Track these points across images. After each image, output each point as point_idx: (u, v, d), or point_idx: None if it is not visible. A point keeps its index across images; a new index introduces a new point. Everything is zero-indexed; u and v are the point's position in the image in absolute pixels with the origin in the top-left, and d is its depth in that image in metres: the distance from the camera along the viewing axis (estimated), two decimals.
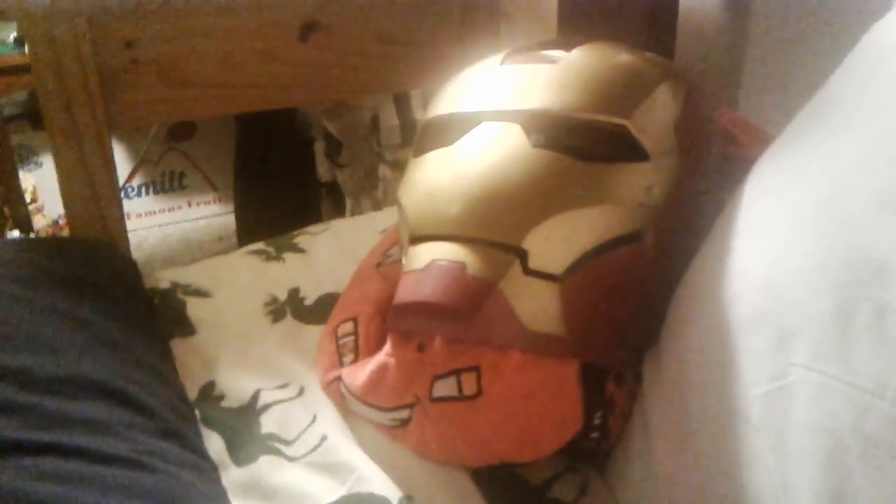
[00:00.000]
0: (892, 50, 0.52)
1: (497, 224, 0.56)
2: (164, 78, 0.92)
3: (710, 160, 0.65)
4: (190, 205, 2.11)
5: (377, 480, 0.56)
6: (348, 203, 1.60)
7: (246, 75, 0.95)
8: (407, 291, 0.57)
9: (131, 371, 0.57)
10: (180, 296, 0.75)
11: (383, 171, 1.49)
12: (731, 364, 0.49)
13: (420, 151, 0.64)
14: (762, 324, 0.48)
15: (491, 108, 0.60)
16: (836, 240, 0.46)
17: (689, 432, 0.52)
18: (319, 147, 1.59)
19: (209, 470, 0.55)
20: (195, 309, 0.74)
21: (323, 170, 1.62)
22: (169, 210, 2.10)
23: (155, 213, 2.09)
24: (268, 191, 1.62)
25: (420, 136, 0.65)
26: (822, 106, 0.55)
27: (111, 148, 0.90)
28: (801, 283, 0.47)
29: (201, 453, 0.56)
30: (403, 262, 0.61)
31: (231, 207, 1.87)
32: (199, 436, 0.59)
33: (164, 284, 0.77)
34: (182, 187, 2.10)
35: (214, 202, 2.12)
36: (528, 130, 0.57)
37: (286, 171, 1.59)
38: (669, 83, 0.61)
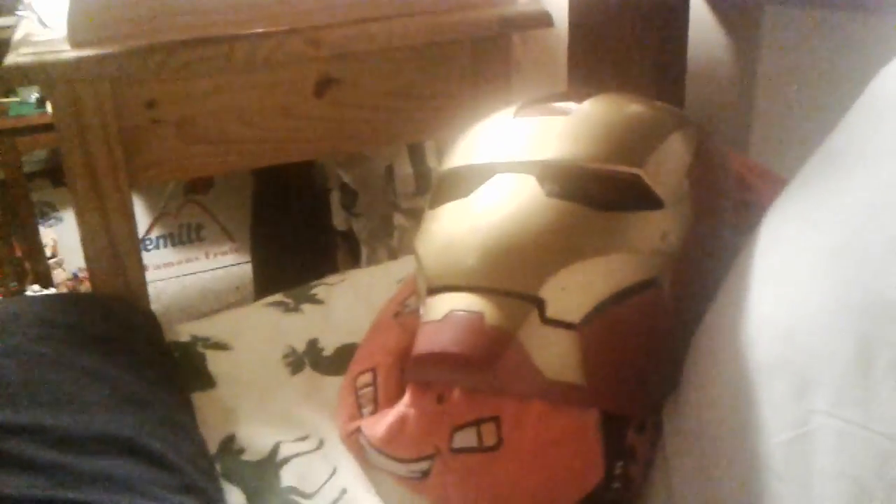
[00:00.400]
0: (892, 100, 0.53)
1: (514, 274, 0.56)
2: (184, 136, 0.94)
3: (727, 205, 0.65)
4: (207, 256, 2.13)
5: None
6: (364, 251, 1.61)
7: (263, 131, 0.97)
8: (426, 342, 0.57)
9: (154, 427, 0.58)
10: (200, 349, 0.76)
11: (398, 219, 1.51)
12: (751, 412, 0.49)
13: (436, 203, 0.65)
14: (781, 371, 0.48)
15: (505, 160, 0.61)
16: (852, 285, 0.47)
17: (712, 482, 0.51)
18: (335, 197, 1.61)
19: None
20: (215, 362, 0.74)
21: (339, 219, 1.64)
22: (187, 261, 2.12)
23: (173, 264, 2.11)
24: (284, 240, 1.63)
25: (436, 188, 0.66)
26: (832, 152, 0.56)
27: (132, 204, 0.92)
28: (819, 330, 0.47)
29: None
30: (421, 312, 0.61)
31: (248, 257, 1.89)
32: (219, 491, 0.59)
33: (184, 338, 0.78)
34: (200, 239, 2.13)
35: (231, 252, 2.14)
36: (542, 181, 0.58)
37: (302, 221, 1.61)
38: (681, 132, 0.62)
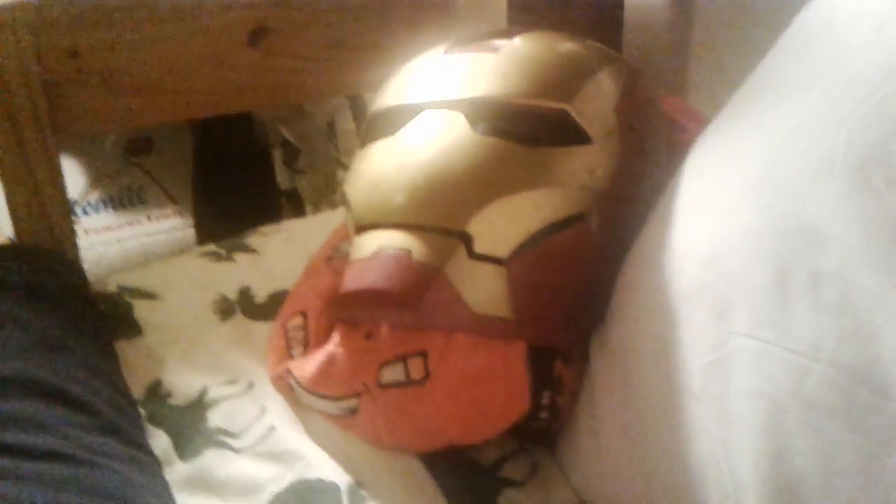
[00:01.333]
0: (823, 28, 0.54)
1: (441, 210, 0.56)
2: (111, 87, 0.91)
3: (657, 144, 0.66)
4: (150, 219, 2.07)
5: (326, 467, 0.55)
6: (308, 210, 1.59)
7: (194, 81, 0.95)
8: (353, 280, 0.57)
9: (72, 371, 0.56)
10: (127, 299, 0.74)
11: (342, 175, 1.49)
12: (672, 338, 0.50)
13: (365, 143, 0.64)
14: (702, 297, 0.49)
15: (434, 98, 0.60)
16: (772, 210, 0.47)
17: (634, 407, 0.52)
18: (277, 155, 1.58)
19: (150, 464, 0.54)
20: (142, 311, 0.72)
21: (282, 178, 1.61)
22: (128, 225, 2.06)
23: (113, 228, 2.04)
24: (227, 201, 1.60)
25: (365, 129, 0.65)
26: (758, 84, 0.56)
27: (58, 158, 0.89)
28: (740, 255, 0.48)
29: (143, 448, 0.55)
30: (349, 251, 0.60)
31: (191, 221, 1.85)
32: (141, 432, 0.57)
33: (110, 288, 0.75)
34: (141, 202, 2.07)
35: (174, 216, 2.08)
36: (470, 118, 0.58)
37: (245, 181, 1.58)
38: (610, 68, 0.61)
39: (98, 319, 0.69)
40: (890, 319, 0.41)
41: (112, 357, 0.65)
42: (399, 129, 0.60)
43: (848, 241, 0.43)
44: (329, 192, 1.54)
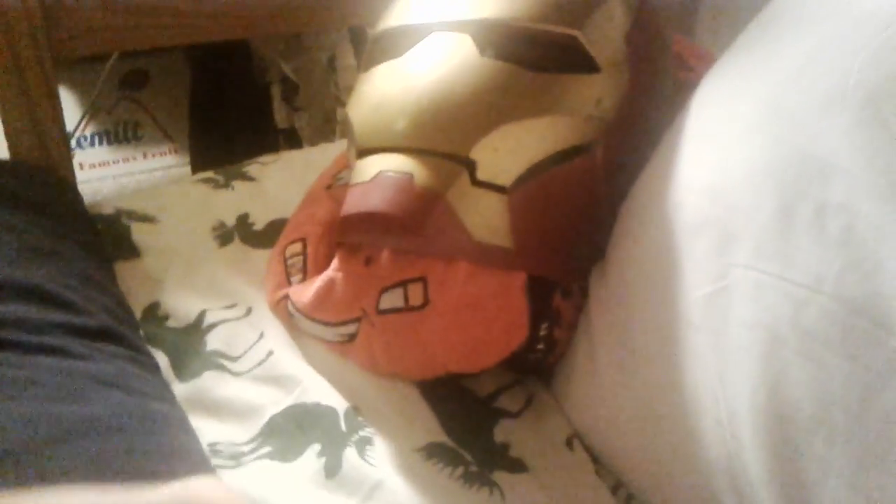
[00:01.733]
0: None
1: (445, 135, 0.55)
2: (108, 7, 0.90)
3: (664, 80, 0.65)
4: (145, 156, 2.05)
5: (324, 391, 0.56)
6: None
7: (192, 4, 0.93)
8: (354, 203, 0.56)
9: (67, 279, 0.55)
10: (125, 221, 0.73)
11: (341, 114, 1.47)
12: (673, 270, 0.50)
13: (369, 65, 0.62)
14: (705, 229, 0.49)
15: (441, 19, 0.59)
16: (779, 142, 0.47)
17: (632, 339, 0.52)
18: (276, 91, 1.56)
19: (150, 365, 0.54)
20: (140, 234, 0.72)
21: (280, 116, 1.59)
22: (123, 161, 2.04)
23: (109, 164, 2.03)
24: (223, 138, 1.58)
25: (369, 50, 0.64)
26: (768, 20, 0.55)
27: (55, 81, 0.87)
28: (745, 187, 0.47)
29: (142, 351, 0.55)
30: (351, 177, 0.60)
31: (187, 159, 1.83)
32: (139, 339, 0.57)
33: (107, 211, 0.75)
34: (137, 138, 2.04)
35: (170, 154, 2.06)
36: (477, 40, 0.56)
37: (242, 118, 1.56)
38: None
39: (94, 236, 0.69)
40: (894, 252, 0.41)
41: (108, 271, 0.65)
42: (405, 50, 0.59)
43: (855, 173, 0.43)
44: (328, 131, 1.53)
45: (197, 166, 1.69)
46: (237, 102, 1.56)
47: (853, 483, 0.39)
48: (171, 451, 0.46)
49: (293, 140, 1.66)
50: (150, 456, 0.44)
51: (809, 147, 0.45)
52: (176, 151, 2.07)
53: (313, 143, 1.57)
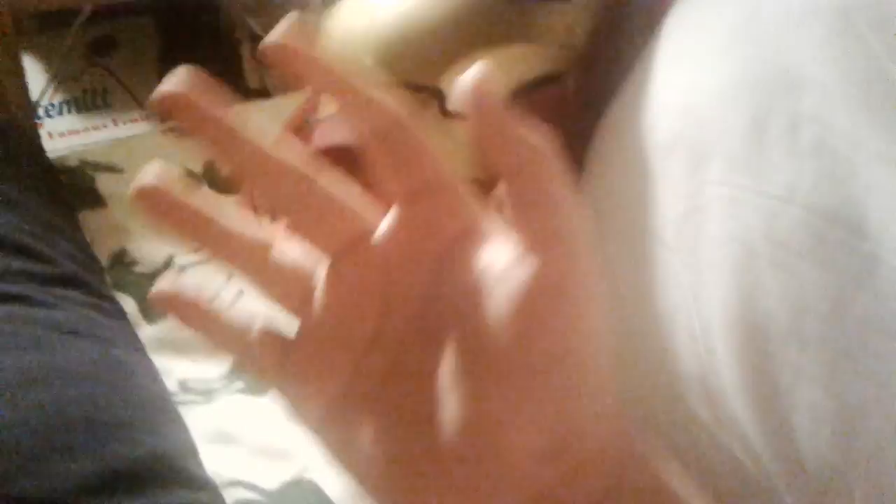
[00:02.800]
0: None
1: (412, 65, 0.54)
2: None
3: (637, 9, 0.64)
4: (116, 123, 2.02)
5: (294, 326, 0.55)
6: None
7: None
8: (321, 137, 0.55)
9: (28, 226, 0.54)
10: (89, 172, 0.72)
11: None
12: (647, 191, 0.49)
13: (333, 0, 0.61)
14: (678, 148, 0.48)
15: None
16: (751, 57, 0.46)
17: (606, 261, 0.52)
18: (246, 49, 1.53)
19: (116, 312, 0.53)
20: (105, 183, 0.71)
21: (251, 75, 1.57)
22: (93, 129, 2.00)
23: (78, 132, 1.99)
24: None
25: None
26: None
27: (17, 43, 0.85)
28: (717, 104, 0.47)
29: (107, 298, 0.54)
30: (318, 112, 0.59)
31: (158, 126, 1.79)
32: (105, 285, 0.56)
33: (71, 163, 0.73)
34: (106, 105, 2.01)
35: (141, 120, 2.03)
36: None
37: (213, 79, 1.53)
38: None
39: (58, 186, 0.67)
40: (866, 160, 0.41)
41: (74, 222, 0.63)
42: None
43: (828, 83, 0.42)
44: (299, 89, 1.50)
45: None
46: (207, 64, 1.52)
47: (827, 387, 0.39)
48: (136, 400, 0.45)
49: (266, 98, 1.63)
50: (113, 404, 0.43)
51: (781, 60, 0.45)
52: (147, 117, 2.04)
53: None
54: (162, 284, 0.30)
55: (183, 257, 0.62)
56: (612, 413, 0.30)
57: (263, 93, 1.60)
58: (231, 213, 0.33)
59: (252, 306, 0.58)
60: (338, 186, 0.32)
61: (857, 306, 0.39)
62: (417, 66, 0.53)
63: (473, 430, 0.27)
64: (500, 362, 0.27)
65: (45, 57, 1.92)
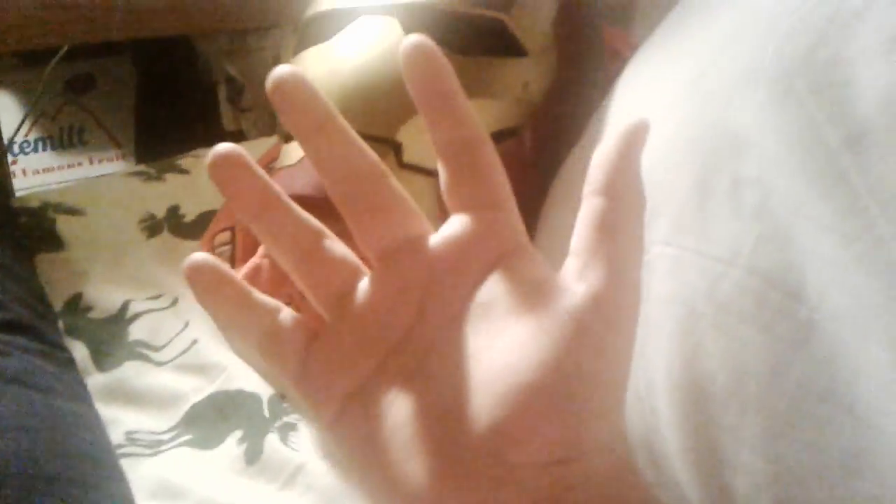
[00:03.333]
0: None
1: (371, 117, 0.54)
2: (45, 2, 0.88)
3: (593, 67, 0.65)
4: (91, 161, 2.01)
5: (248, 378, 0.54)
6: None
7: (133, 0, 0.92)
8: (279, 186, 0.55)
9: None
10: (50, 214, 0.71)
11: None
12: None
13: (298, 50, 0.62)
14: None
15: (368, 3, 0.59)
16: (698, 118, 0.47)
17: None
18: (222, 92, 1.55)
19: (65, 361, 0.53)
20: (66, 226, 0.70)
21: (227, 118, 1.58)
22: (69, 167, 2.00)
23: (53, 169, 1.98)
24: (171, 141, 1.56)
25: (299, 35, 0.64)
26: (692, 1, 0.56)
27: None
28: (664, 164, 0.48)
29: (57, 346, 0.54)
30: (278, 161, 0.59)
31: (133, 164, 1.79)
32: (57, 333, 0.56)
33: (33, 203, 0.73)
34: (82, 142, 2.00)
35: (117, 159, 2.03)
36: (404, 24, 0.56)
37: (189, 120, 1.54)
38: None
39: (16, 230, 0.67)
40: (805, 225, 0.41)
41: (30, 266, 0.63)
42: (333, 34, 0.58)
43: (769, 146, 0.43)
44: (272, 132, 1.51)
45: None
46: (184, 105, 1.54)
47: (766, 452, 0.39)
48: (75, 453, 0.44)
49: (241, 142, 1.64)
50: (50, 457, 0.43)
51: (725, 122, 0.46)
52: (123, 156, 2.04)
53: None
54: (196, 256, 0.30)
55: (139, 303, 0.61)
56: (619, 428, 0.31)
57: (239, 135, 1.61)
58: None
59: (205, 355, 0.57)
60: (397, 190, 0.33)
61: (794, 371, 0.39)
62: (376, 119, 0.54)
63: (492, 435, 0.27)
64: (538, 372, 0.28)
65: (23, 93, 1.93)
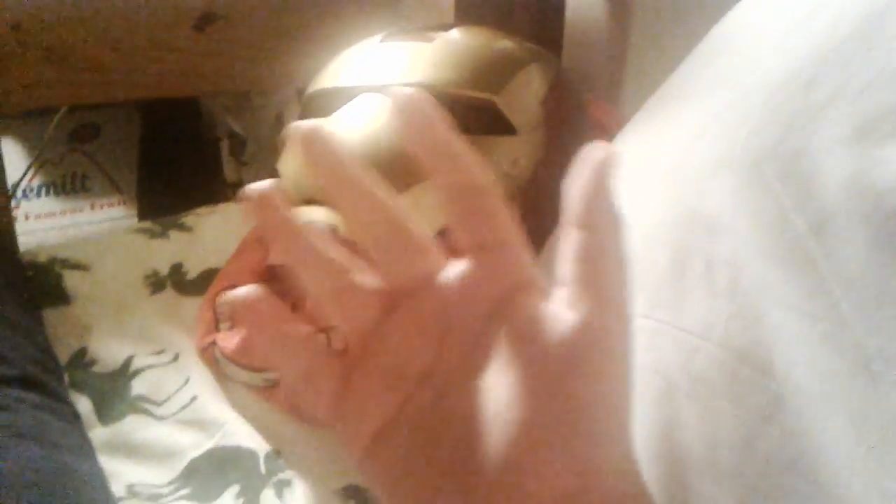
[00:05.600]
0: (734, 38, 0.58)
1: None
2: (52, 61, 0.91)
3: (579, 143, 0.68)
4: (93, 207, 2.04)
5: (245, 435, 0.57)
6: None
7: (138, 62, 0.95)
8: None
9: None
10: (57, 269, 0.74)
11: None
12: None
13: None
14: None
15: (368, 83, 0.62)
16: (674, 202, 0.50)
17: None
18: (224, 146, 1.59)
19: (70, 415, 0.55)
20: (72, 281, 0.73)
21: (229, 170, 1.61)
22: (70, 212, 2.03)
23: (55, 214, 2.01)
24: (172, 191, 1.59)
25: (302, 109, 0.67)
26: (673, 86, 0.60)
27: None
28: (643, 243, 0.51)
29: (63, 401, 0.56)
30: None
31: (135, 211, 1.83)
32: (63, 389, 0.58)
33: (41, 258, 0.75)
34: (85, 189, 2.04)
35: (118, 205, 2.06)
36: None
37: (191, 171, 1.58)
38: (538, 64, 0.64)
39: (24, 284, 0.69)
40: (773, 304, 0.44)
41: (35, 318, 0.65)
42: (334, 110, 0.62)
43: (740, 230, 0.46)
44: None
45: (145, 218, 1.69)
46: (186, 156, 1.58)
47: None
48: None
49: None
50: None
51: (701, 207, 0.49)
52: (124, 203, 2.07)
53: None
54: (239, 292, 0.31)
55: (141, 359, 0.64)
56: (628, 458, 0.33)
57: (239, 186, 1.65)
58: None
59: (205, 410, 0.60)
60: (416, 231, 0.36)
61: (763, 443, 0.42)
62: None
63: (508, 468, 0.29)
64: (538, 404, 0.29)
65: (28, 141, 1.97)
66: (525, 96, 0.61)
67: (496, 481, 0.29)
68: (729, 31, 0.58)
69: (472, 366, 0.32)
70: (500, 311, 0.33)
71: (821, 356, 0.43)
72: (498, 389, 0.31)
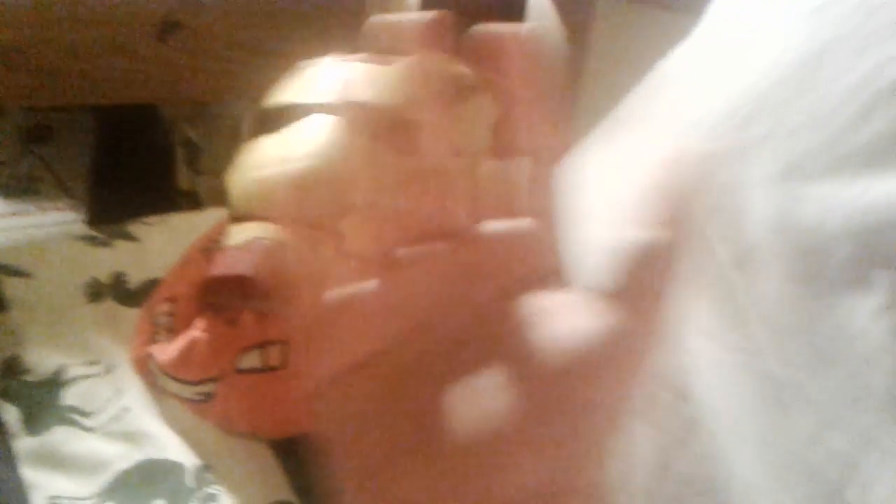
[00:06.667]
0: (676, 75, 0.60)
1: (316, 207, 0.58)
2: (9, 64, 0.91)
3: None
4: (40, 210, 2.01)
5: (174, 448, 0.56)
6: None
7: (96, 67, 0.95)
8: (223, 266, 0.58)
9: None
10: None
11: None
12: None
13: (251, 137, 0.66)
14: None
15: (322, 100, 0.63)
16: (608, 226, 0.52)
17: None
18: (180, 153, 1.57)
19: None
20: (11, 287, 0.71)
21: (183, 178, 1.60)
22: (16, 214, 1.99)
23: (3, 216, 1.97)
24: (124, 196, 1.57)
25: (254, 124, 0.67)
26: (616, 119, 0.62)
27: None
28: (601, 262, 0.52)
29: None
30: (224, 240, 0.62)
31: (84, 216, 1.79)
32: None
33: None
34: (34, 192, 2.00)
35: (67, 209, 2.02)
36: (352, 122, 0.61)
37: (143, 177, 1.56)
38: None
39: None
40: (694, 332, 0.46)
41: None
42: (286, 125, 0.62)
43: None
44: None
45: (94, 223, 1.66)
46: (140, 162, 1.56)
47: None
48: None
49: (194, 203, 1.65)
50: None
51: (624, 236, 0.50)
52: (73, 208, 2.03)
53: (213, 207, 1.57)
54: None
55: (74, 368, 0.63)
56: (602, 474, 0.32)
57: (193, 195, 1.63)
58: None
59: (136, 423, 0.59)
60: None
61: (679, 465, 0.43)
62: (320, 210, 0.58)
63: (478, 449, 0.28)
64: (530, 395, 0.28)
65: None
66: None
67: (461, 462, 0.28)
68: (675, 65, 0.60)
69: (472, 335, 0.31)
70: (520, 290, 0.32)
71: (735, 384, 0.45)
72: (490, 369, 0.31)
